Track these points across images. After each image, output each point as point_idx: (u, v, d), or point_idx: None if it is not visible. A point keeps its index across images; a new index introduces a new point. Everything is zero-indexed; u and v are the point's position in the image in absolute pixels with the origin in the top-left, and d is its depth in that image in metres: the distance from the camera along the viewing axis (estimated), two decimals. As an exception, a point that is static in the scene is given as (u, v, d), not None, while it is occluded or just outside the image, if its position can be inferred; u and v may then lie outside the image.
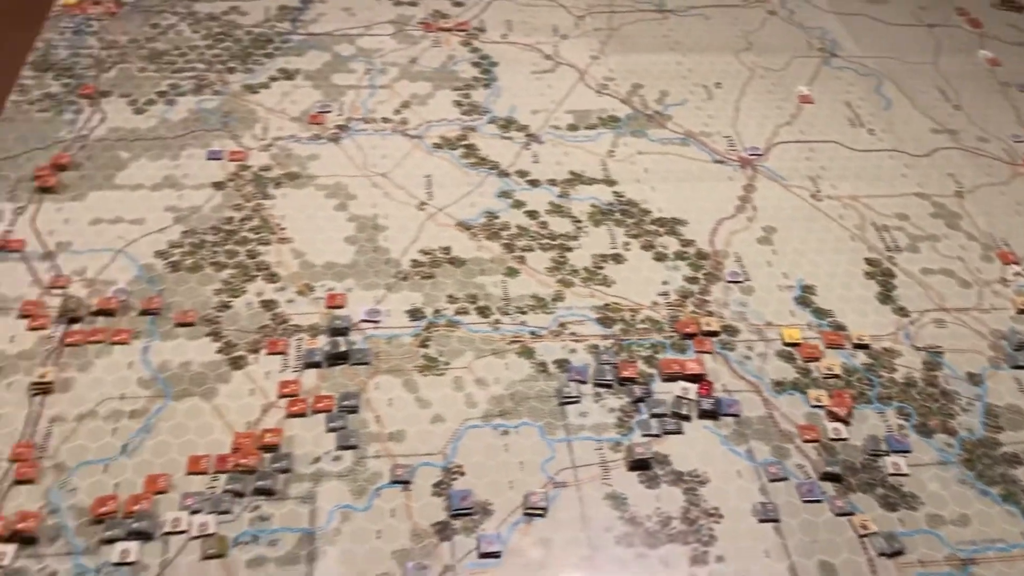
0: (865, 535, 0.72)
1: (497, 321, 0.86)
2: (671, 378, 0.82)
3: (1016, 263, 0.97)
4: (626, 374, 0.81)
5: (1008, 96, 1.21)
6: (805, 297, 0.91)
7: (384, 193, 0.98)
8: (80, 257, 0.88)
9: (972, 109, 1.18)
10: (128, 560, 0.65)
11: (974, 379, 0.85)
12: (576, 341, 0.85)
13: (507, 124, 1.09)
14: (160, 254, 0.89)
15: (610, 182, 1.03)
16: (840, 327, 0.89)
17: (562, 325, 0.86)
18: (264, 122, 1.06)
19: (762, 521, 0.73)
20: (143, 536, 0.67)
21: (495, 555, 0.69)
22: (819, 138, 1.12)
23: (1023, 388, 0.85)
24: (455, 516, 0.71)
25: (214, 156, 1.00)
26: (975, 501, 0.75)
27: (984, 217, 1.03)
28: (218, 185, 0.97)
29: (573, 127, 1.10)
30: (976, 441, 0.80)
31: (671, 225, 0.98)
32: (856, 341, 0.87)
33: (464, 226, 0.96)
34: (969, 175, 1.08)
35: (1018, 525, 0.74)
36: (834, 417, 0.80)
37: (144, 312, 0.83)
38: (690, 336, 0.86)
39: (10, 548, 0.65)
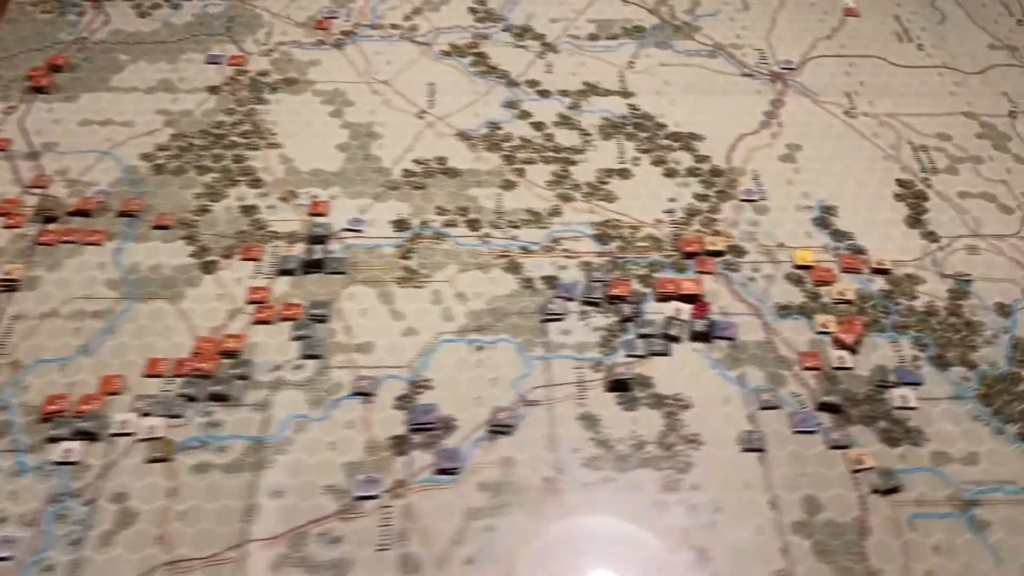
0: (859, 470, 0.66)
1: (487, 235, 0.81)
2: (665, 298, 0.76)
3: (1068, 188, 0.88)
4: (616, 292, 0.76)
5: (1082, 10, 1.10)
6: (825, 218, 0.84)
7: (384, 100, 0.94)
8: (64, 158, 0.86)
9: (1038, 23, 1.08)
10: (70, 459, 0.64)
11: (1003, 310, 0.77)
12: (568, 257, 0.80)
13: (522, 32, 1.03)
14: (145, 156, 0.86)
15: (626, 94, 0.96)
16: (860, 250, 0.82)
17: (555, 240, 0.81)
18: (268, 27, 1.02)
19: (746, 450, 0.67)
20: (89, 436, 0.65)
21: (452, 471, 0.65)
22: (861, 52, 1.04)
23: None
24: (415, 430, 0.67)
25: (213, 60, 0.97)
26: (988, 439, 0.69)
27: (1038, 139, 0.93)
28: (213, 89, 0.94)
29: (593, 36, 1.03)
30: (997, 376, 0.72)
31: (687, 140, 0.91)
32: (875, 266, 0.80)
33: (463, 136, 0.91)
34: (1027, 94, 0.99)
35: (1035, 467, 0.67)
36: (840, 344, 0.73)
37: (122, 213, 0.81)
38: (692, 255, 0.80)
39: (-45, 442, 0.64)
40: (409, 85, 0.96)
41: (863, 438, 0.68)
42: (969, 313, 0.77)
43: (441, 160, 0.88)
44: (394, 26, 1.03)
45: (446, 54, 1.00)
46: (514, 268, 0.79)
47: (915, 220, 0.84)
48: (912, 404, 0.70)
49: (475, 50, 1.01)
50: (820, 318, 0.75)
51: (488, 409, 0.69)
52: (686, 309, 0.76)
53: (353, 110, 0.93)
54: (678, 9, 1.08)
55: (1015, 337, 0.75)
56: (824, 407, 0.70)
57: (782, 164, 0.89)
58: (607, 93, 0.96)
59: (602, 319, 0.75)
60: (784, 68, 1.00)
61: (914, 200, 0.86)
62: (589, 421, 0.68)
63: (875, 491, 0.65)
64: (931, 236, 0.83)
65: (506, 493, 0.64)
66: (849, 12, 1.09)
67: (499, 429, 0.67)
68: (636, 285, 0.77)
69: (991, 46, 1.05)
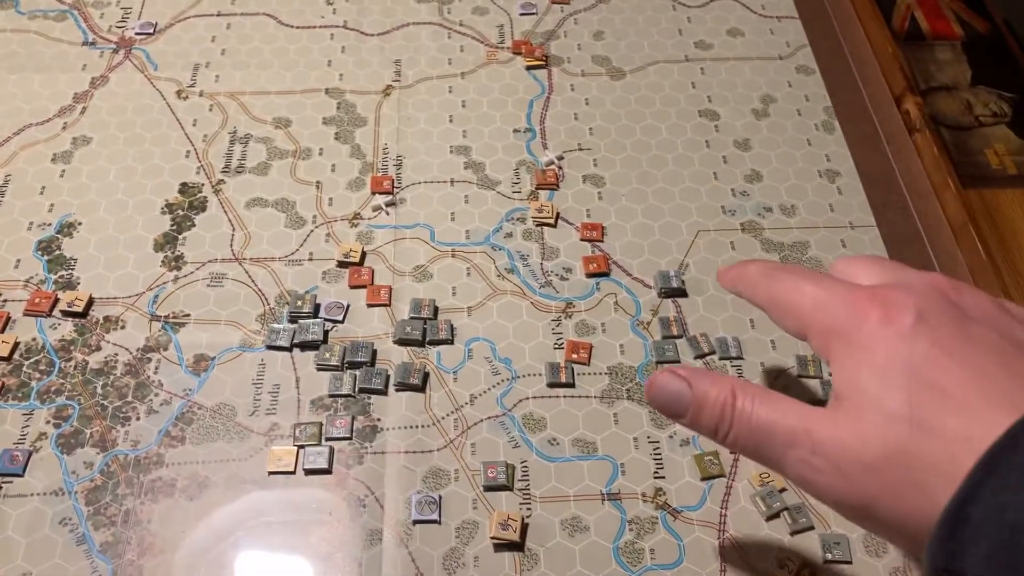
0: None
1: None
2: None
3: (389, 192, 0.72)
4: None
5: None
6: (56, 239, 0.68)
7: None
8: None
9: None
10: None
11: (201, 366, 0.62)
12: None
13: None
14: None
15: (-87, 73, 0.79)
16: (70, 284, 0.66)
17: None
18: None
19: None
20: None
21: None
22: (252, 10, 0.86)
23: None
24: None
25: None
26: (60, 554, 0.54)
27: (395, 125, 0.77)
28: None
29: (-69, -4, 0.85)
30: (134, 459, 0.58)
31: (-49, 135, 0.75)
32: (66, 308, 0.64)
33: None
34: (423, 63, 0.82)
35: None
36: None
37: None
38: None
39: None
40: None
41: None
42: (153, 371, 0.62)
43: None
44: None
45: None
46: None
47: (170, 239, 0.69)
48: (-22, 506, 0.56)
49: None
50: (-59, 385, 0.60)
51: None
52: None
53: None
54: (63, -45, 0.89)
55: (188, 403, 0.61)
56: None
57: (53, 165, 0.73)
58: None
59: None
60: (140, 33, 0.83)
61: (187, 213, 0.70)
62: None
63: None
64: (175, 262, 0.68)
65: None
66: (275, -44, 0.90)
67: None
68: None
69: (420, -1, 0.87)
